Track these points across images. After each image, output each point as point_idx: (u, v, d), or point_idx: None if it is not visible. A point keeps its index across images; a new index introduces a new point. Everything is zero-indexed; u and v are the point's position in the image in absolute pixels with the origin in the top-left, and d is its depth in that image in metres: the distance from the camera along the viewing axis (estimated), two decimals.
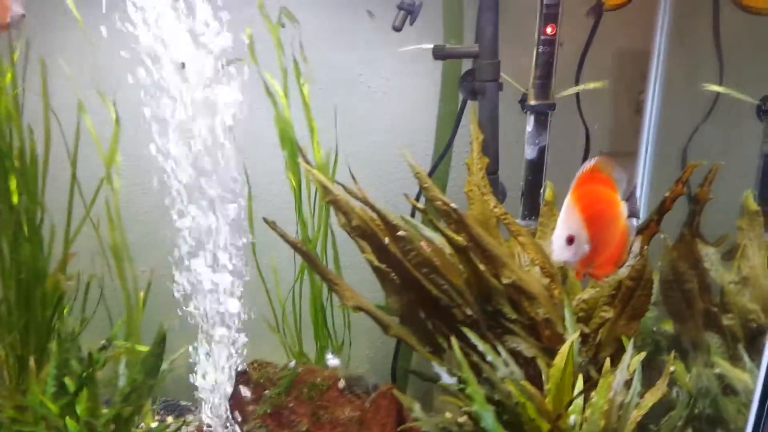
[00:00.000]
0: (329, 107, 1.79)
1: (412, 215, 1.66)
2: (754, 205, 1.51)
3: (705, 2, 1.63)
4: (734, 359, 1.39)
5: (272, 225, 1.47)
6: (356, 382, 1.50)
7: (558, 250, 1.18)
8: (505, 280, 1.37)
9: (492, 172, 1.68)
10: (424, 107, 1.90)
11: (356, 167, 1.96)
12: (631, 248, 1.37)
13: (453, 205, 1.31)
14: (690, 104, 1.70)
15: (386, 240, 1.39)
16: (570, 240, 1.19)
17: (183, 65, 1.26)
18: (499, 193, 1.71)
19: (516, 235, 1.48)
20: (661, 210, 1.37)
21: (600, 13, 1.50)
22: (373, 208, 1.40)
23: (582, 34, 1.72)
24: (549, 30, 1.57)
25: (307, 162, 1.46)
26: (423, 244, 1.53)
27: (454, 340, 1.30)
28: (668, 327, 1.61)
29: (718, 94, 1.64)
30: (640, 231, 1.47)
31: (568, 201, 1.19)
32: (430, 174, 1.83)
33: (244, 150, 1.55)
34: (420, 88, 1.89)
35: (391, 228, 1.39)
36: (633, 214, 1.18)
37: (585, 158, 1.81)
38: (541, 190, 1.69)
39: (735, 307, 1.39)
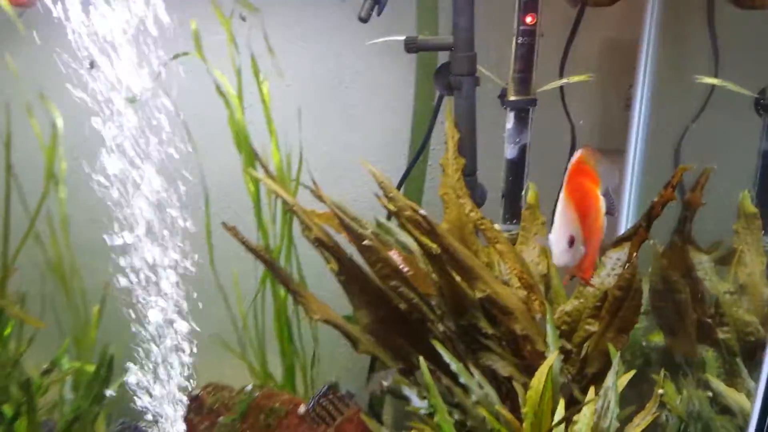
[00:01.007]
0: (298, 104, 1.67)
1: (389, 218, 1.54)
2: (751, 207, 1.40)
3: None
4: (731, 375, 1.27)
5: (232, 231, 1.35)
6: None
7: (560, 254, 1.07)
8: (478, 294, 1.25)
9: (470, 173, 1.56)
10: (399, 103, 1.78)
11: (328, 168, 1.86)
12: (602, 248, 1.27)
13: (422, 212, 1.19)
14: (683, 99, 1.58)
15: (348, 254, 1.28)
16: (571, 241, 1.08)
17: (92, 64, 1.14)
18: (478, 196, 1.59)
19: (494, 243, 1.36)
20: (650, 216, 1.26)
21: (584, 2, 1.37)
22: (336, 216, 1.28)
23: (565, 23, 1.60)
24: (529, 20, 1.45)
25: (265, 168, 1.34)
26: (393, 252, 1.42)
27: (422, 361, 1.19)
28: (658, 339, 1.49)
29: (712, 88, 1.52)
30: (628, 237, 1.36)
31: (564, 198, 1.08)
32: (406, 175, 1.71)
33: (202, 153, 1.44)
34: (395, 82, 1.77)
35: (356, 238, 1.28)
36: (610, 211, 1.10)
37: (570, 156, 1.69)
38: (523, 192, 1.57)
39: (731, 319, 1.28)
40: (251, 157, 1.40)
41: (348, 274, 1.32)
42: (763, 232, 1.41)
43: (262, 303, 1.55)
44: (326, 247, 1.30)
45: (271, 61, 1.50)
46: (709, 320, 1.33)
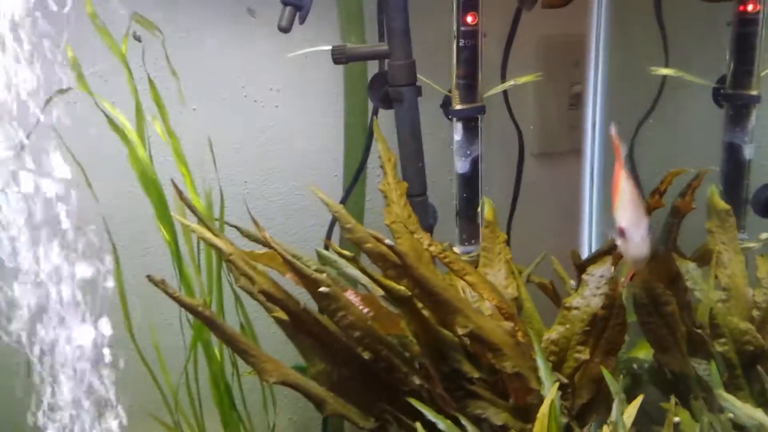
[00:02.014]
0: (207, 130, 1.45)
1: (325, 248, 1.35)
2: (722, 203, 1.31)
3: None
4: (732, 389, 1.17)
5: (161, 284, 1.11)
6: None
7: (642, 242, 0.99)
8: (461, 331, 1.09)
9: (419, 193, 1.39)
10: (327, 120, 1.59)
11: (249, 200, 1.64)
12: None
13: (389, 242, 1.01)
14: (636, 94, 1.49)
15: (302, 304, 1.08)
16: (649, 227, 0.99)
17: None
18: (430, 218, 1.43)
19: (462, 275, 1.19)
20: None
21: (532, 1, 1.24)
22: (285, 259, 1.07)
23: (506, 20, 1.47)
24: (470, 19, 1.30)
25: (193, 210, 1.12)
26: (350, 293, 1.23)
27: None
28: (641, 354, 1.39)
29: (663, 80, 1.43)
30: (608, 251, 1.24)
31: (625, 176, 0.99)
32: (343, 202, 1.52)
33: (103, 199, 1.19)
34: (320, 98, 1.58)
35: (310, 284, 1.07)
36: None
37: (520, 164, 1.56)
38: (479, 209, 1.42)
39: (726, 329, 1.18)
40: (161, 200, 1.17)
41: (302, 327, 1.12)
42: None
43: (195, 371, 1.31)
44: (275, 300, 1.09)
45: (174, 85, 1.27)
46: (699, 331, 1.22)
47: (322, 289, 1.07)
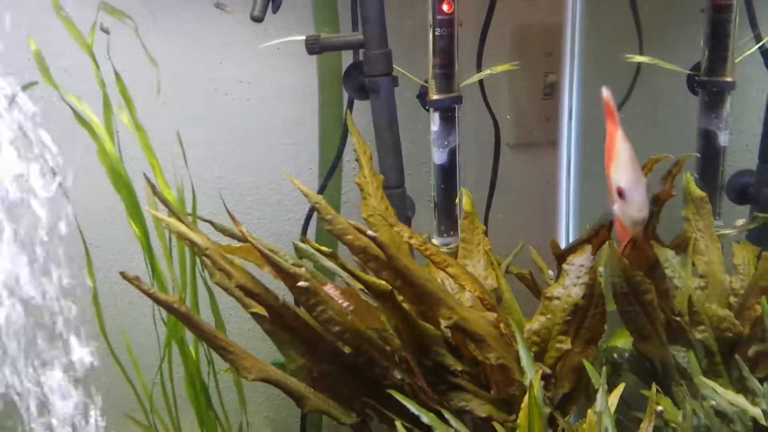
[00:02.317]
0: (177, 125, 1.41)
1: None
2: (697, 191, 1.31)
3: None
4: (711, 377, 1.17)
5: (135, 281, 1.08)
6: None
7: (643, 204, 0.98)
8: (444, 323, 1.07)
9: (397, 185, 1.38)
10: (301, 113, 1.56)
11: (224, 198, 1.61)
12: None
13: (370, 233, 0.99)
14: (611, 83, 1.48)
15: (281, 299, 1.06)
16: (648, 188, 0.99)
17: None
18: (408, 209, 1.41)
19: (444, 267, 1.18)
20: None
21: None
22: (262, 252, 1.05)
23: (479, 9, 1.45)
24: (445, 7, 1.29)
25: (167, 204, 1.08)
26: (329, 287, 1.21)
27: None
28: (621, 342, 1.39)
29: (638, 68, 1.43)
30: (588, 239, 1.24)
31: (622, 137, 0.98)
32: (321, 191, 1.50)
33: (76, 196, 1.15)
34: (293, 90, 1.55)
35: (289, 278, 1.05)
36: None
37: (496, 155, 1.55)
38: (457, 200, 1.41)
39: (705, 316, 1.18)
40: (132, 195, 1.13)
41: (281, 322, 1.09)
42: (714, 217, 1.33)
43: (170, 370, 1.28)
44: (253, 295, 1.07)
45: (143, 77, 1.24)
46: (678, 318, 1.23)
47: (300, 283, 1.04)
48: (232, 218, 1.07)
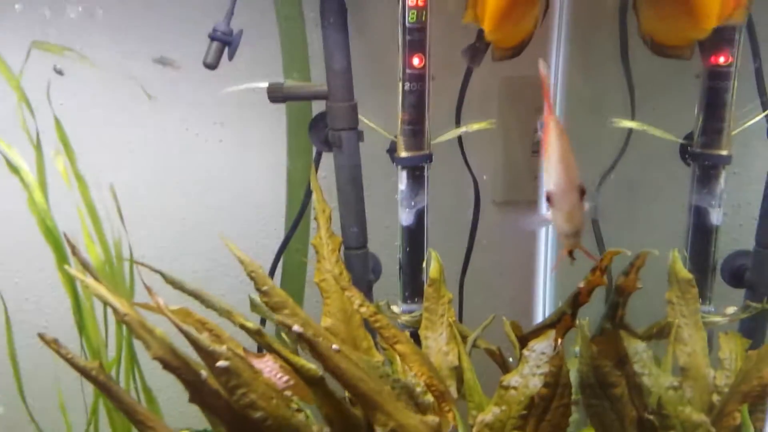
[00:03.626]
0: (144, 165, 1.35)
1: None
2: (684, 271, 1.19)
3: (609, 28, 1.30)
4: None
5: (53, 344, 1.01)
6: None
7: (573, 211, 0.84)
8: (380, 430, 0.97)
9: (358, 246, 1.29)
10: (272, 158, 1.49)
11: (189, 240, 1.55)
12: None
13: (297, 328, 0.90)
14: (598, 145, 1.37)
15: (202, 375, 0.97)
16: (582, 193, 0.85)
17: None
18: (371, 272, 1.32)
19: (393, 343, 1.09)
20: (575, 302, 1.02)
21: (479, 53, 1.12)
22: (180, 328, 0.97)
23: (461, 60, 1.36)
24: (416, 61, 1.20)
25: (81, 262, 1.01)
26: (267, 360, 1.12)
27: None
28: None
29: (629, 132, 1.31)
30: (551, 324, 1.12)
31: (557, 134, 0.85)
32: (284, 246, 1.42)
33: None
34: (265, 134, 1.48)
35: (208, 356, 0.97)
36: None
37: (476, 213, 1.45)
38: (423, 264, 1.31)
39: (677, 420, 1.06)
40: (60, 250, 1.07)
41: (200, 399, 1.01)
42: (701, 301, 1.20)
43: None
44: (171, 368, 0.99)
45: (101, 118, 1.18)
46: (651, 417, 1.10)
47: (220, 363, 0.96)
48: (148, 290, 0.99)
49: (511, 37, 1.11)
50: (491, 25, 1.05)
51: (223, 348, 0.97)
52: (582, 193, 0.86)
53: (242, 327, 1.00)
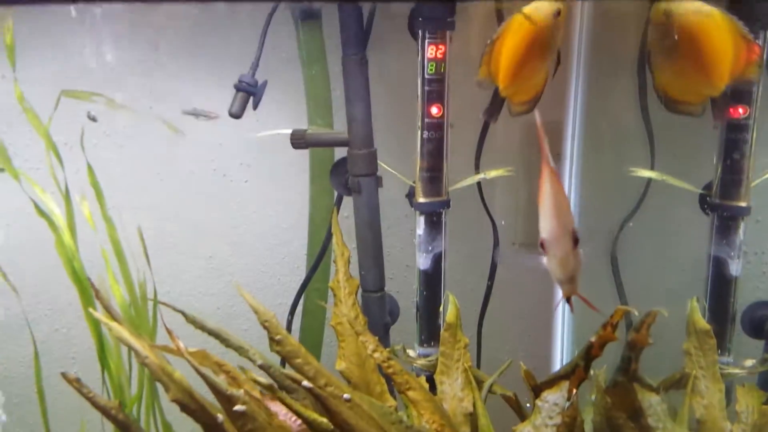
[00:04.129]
0: (172, 203, 1.40)
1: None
2: (702, 322, 1.18)
3: (627, 77, 1.31)
4: None
5: (75, 383, 1.05)
6: None
7: (565, 257, 0.86)
8: None
9: (376, 289, 1.31)
10: (296, 197, 1.52)
11: (213, 275, 1.58)
12: None
13: (306, 383, 0.92)
14: (617, 193, 1.38)
15: (220, 419, 1.00)
16: (575, 239, 0.86)
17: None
18: (388, 315, 1.34)
19: (404, 390, 1.10)
20: (588, 355, 1.03)
21: (496, 110, 1.15)
22: (199, 372, 1.00)
23: (480, 107, 1.38)
24: (435, 111, 1.22)
25: (105, 305, 1.05)
26: (278, 404, 1.14)
27: None
28: None
29: (648, 182, 1.32)
30: (565, 375, 1.13)
31: (550, 180, 0.86)
32: (303, 287, 1.45)
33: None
34: (290, 175, 1.52)
35: (225, 400, 0.99)
36: None
37: (494, 257, 1.46)
38: (440, 308, 1.33)
39: None
40: (87, 292, 1.11)
41: None
42: (719, 351, 1.20)
43: None
44: (189, 411, 1.02)
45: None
46: None
47: (237, 407, 0.99)
48: (169, 333, 1.03)
49: (525, 91, 1.13)
50: (505, 81, 1.07)
51: (240, 392, 1.00)
52: (575, 240, 0.87)
53: (255, 381, 1.03)
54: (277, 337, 1.04)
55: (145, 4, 1.17)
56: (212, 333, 1.20)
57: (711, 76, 1.02)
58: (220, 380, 1.01)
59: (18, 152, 1.40)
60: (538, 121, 0.92)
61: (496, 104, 1.13)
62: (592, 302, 0.99)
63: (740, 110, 1.16)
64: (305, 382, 0.92)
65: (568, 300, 0.97)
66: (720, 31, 1.01)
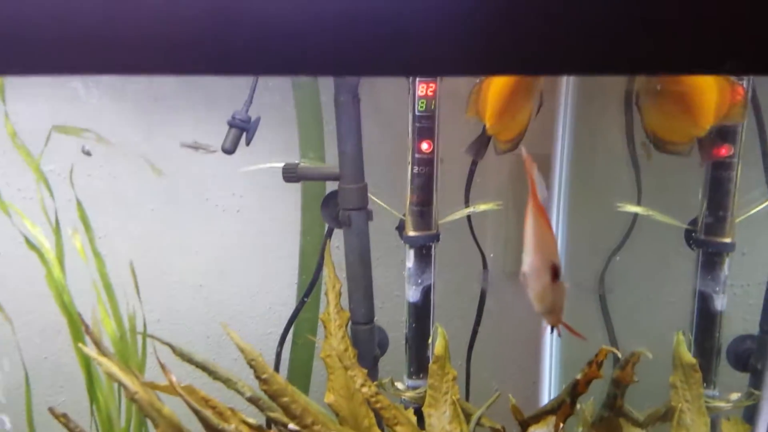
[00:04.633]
0: (163, 232, 1.41)
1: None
2: (688, 356, 1.20)
3: (614, 114, 1.34)
4: None
5: (62, 419, 1.06)
6: None
7: (543, 292, 0.86)
8: None
9: (365, 321, 1.32)
10: (288, 228, 1.54)
11: (203, 305, 1.59)
12: None
13: (293, 426, 0.93)
14: (604, 226, 1.39)
15: None
16: (555, 273, 0.87)
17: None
18: (377, 347, 1.35)
19: (392, 424, 1.11)
20: (574, 391, 1.04)
21: (482, 147, 1.17)
22: (190, 406, 1.00)
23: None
24: (425, 146, 1.24)
25: (95, 342, 1.06)
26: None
27: None
28: None
29: (635, 216, 1.34)
30: (551, 410, 1.14)
31: (534, 214, 0.88)
32: (293, 318, 1.45)
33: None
34: (282, 206, 1.53)
35: None
36: None
37: (483, 291, 1.47)
38: (429, 341, 1.33)
39: None
40: (76, 325, 1.12)
41: None
42: (705, 385, 1.21)
43: None
44: None
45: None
46: None
47: None
48: (162, 368, 1.03)
49: (509, 129, 1.15)
50: (492, 120, 1.09)
51: (231, 427, 1.01)
52: (555, 273, 0.89)
53: (244, 422, 1.04)
54: (264, 376, 1.05)
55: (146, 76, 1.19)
56: (200, 366, 1.21)
57: (697, 118, 1.04)
58: (212, 415, 1.02)
59: (11, 181, 1.41)
60: (524, 156, 0.94)
61: (482, 142, 1.15)
62: (580, 332, 1.00)
63: (725, 150, 1.18)
64: (291, 425, 0.93)
65: (552, 329, 0.99)
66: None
